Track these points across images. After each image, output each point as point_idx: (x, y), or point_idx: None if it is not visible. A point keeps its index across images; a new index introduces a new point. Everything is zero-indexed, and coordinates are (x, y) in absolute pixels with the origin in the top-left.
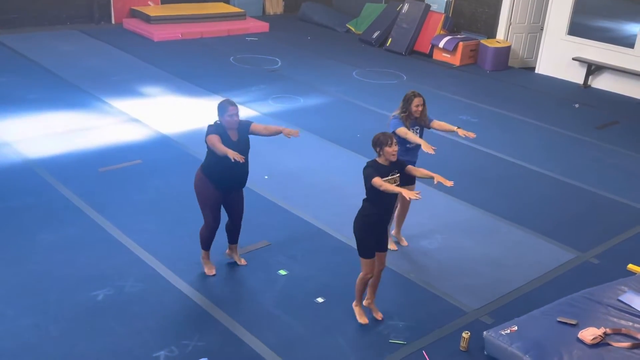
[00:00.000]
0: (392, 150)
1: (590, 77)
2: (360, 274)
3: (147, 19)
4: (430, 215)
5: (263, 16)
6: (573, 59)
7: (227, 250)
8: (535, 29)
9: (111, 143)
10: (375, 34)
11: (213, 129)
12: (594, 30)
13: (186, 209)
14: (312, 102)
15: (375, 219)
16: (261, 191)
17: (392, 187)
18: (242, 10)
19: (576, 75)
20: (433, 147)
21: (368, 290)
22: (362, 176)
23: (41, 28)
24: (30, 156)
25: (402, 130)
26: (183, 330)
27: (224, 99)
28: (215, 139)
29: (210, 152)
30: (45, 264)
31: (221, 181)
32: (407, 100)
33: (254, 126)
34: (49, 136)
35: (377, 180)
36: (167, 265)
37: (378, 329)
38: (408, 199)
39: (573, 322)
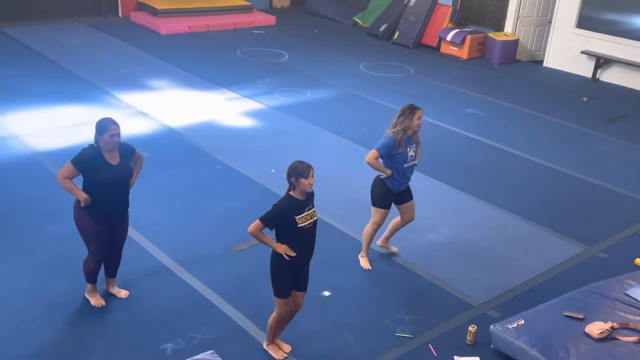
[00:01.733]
0: (308, 182)
1: (598, 71)
2: (274, 314)
3: (154, 12)
4: (437, 209)
5: (270, 9)
6: (582, 52)
7: (105, 286)
8: (544, 22)
9: None
10: (383, 27)
11: (80, 156)
12: (603, 23)
13: (193, 201)
14: (318, 95)
15: (288, 260)
16: (268, 184)
17: (268, 241)
18: (249, 4)
19: (585, 69)
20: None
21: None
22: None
23: (49, 21)
24: (37, 149)
25: (372, 161)
26: (190, 322)
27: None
28: (66, 179)
29: (85, 182)
30: (53, 256)
31: (100, 215)
32: (409, 113)
33: (138, 154)
34: (56, 129)
35: (252, 228)
36: (174, 257)
37: (384, 322)
38: (286, 256)
39: (580, 316)
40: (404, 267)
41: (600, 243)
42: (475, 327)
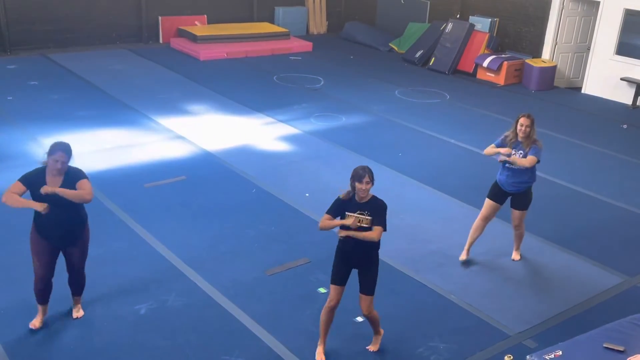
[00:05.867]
0: (361, 187)
1: (639, 98)
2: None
3: (194, 38)
4: None
5: (307, 35)
6: (621, 79)
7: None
8: (582, 49)
9: (157, 159)
10: (418, 53)
11: (27, 176)
12: None
13: (228, 224)
14: (353, 120)
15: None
16: (301, 208)
17: (336, 224)
18: (286, 30)
19: (624, 96)
20: None
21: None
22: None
23: (92, 47)
24: None
25: (488, 149)
26: (223, 345)
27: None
28: (13, 194)
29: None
30: (91, 277)
31: (43, 230)
32: (516, 119)
33: (82, 184)
34: (97, 152)
35: (323, 220)
36: (208, 280)
37: (418, 350)
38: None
39: (620, 348)
40: (438, 294)
41: None
42: (512, 357)
